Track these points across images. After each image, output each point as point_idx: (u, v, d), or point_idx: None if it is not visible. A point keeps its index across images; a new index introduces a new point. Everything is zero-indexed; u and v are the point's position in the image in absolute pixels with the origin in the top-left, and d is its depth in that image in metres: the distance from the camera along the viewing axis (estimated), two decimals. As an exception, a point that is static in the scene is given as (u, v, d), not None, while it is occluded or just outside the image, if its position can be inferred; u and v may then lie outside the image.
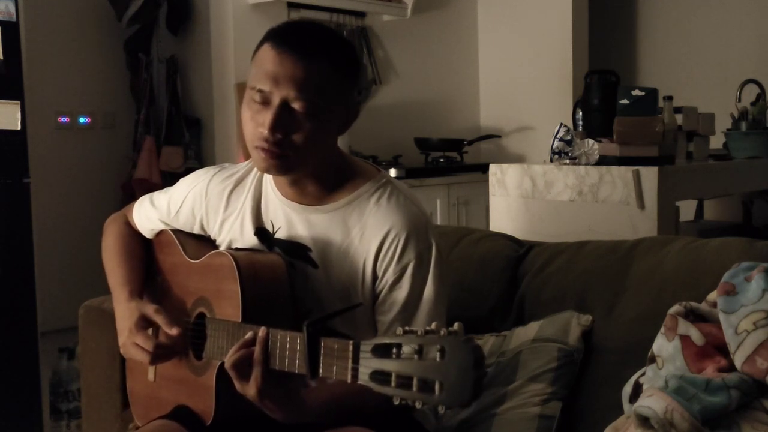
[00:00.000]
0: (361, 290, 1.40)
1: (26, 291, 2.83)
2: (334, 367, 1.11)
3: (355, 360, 1.06)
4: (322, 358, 1.13)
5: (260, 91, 1.33)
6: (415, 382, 0.97)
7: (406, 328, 1.01)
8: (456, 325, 0.98)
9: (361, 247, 1.39)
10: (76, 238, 3.76)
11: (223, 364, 1.33)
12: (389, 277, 1.38)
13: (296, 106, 1.32)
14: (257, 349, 1.22)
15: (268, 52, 1.34)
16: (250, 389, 1.23)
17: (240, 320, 1.32)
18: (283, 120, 1.32)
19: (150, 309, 1.45)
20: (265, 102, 1.33)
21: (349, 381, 1.07)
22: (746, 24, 4.92)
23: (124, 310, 1.52)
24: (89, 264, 3.61)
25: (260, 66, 1.35)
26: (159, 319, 1.43)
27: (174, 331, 1.41)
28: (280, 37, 1.35)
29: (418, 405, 0.97)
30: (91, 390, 2.04)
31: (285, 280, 1.38)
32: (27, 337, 2.83)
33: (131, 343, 1.45)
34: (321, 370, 1.13)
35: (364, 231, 1.40)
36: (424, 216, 1.44)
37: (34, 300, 2.84)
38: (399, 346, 1.00)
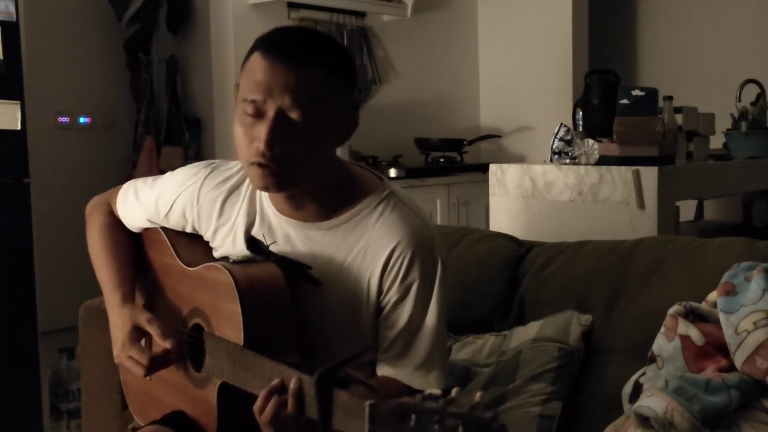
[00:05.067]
0: (366, 307, 1.35)
1: (26, 291, 2.82)
2: (349, 423, 1.06)
3: (372, 422, 1.01)
4: (335, 411, 1.09)
5: (253, 101, 1.24)
6: None
7: (426, 392, 0.96)
8: (477, 396, 0.94)
9: (365, 265, 1.34)
10: (76, 238, 3.72)
11: (224, 383, 1.30)
12: (393, 294, 1.34)
13: (293, 115, 1.24)
14: (290, 404, 1.15)
15: (258, 62, 1.26)
16: None
17: (241, 342, 1.28)
18: (280, 132, 1.24)
19: (143, 318, 1.42)
20: (259, 114, 1.25)
21: None
22: (746, 24, 4.92)
23: (117, 317, 1.47)
24: (89, 264, 3.61)
25: (251, 76, 1.26)
26: (152, 330, 1.40)
27: (168, 344, 1.37)
28: (270, 45, 1.27)
29: None
30: (91, 390, 2.04)
31: (285, 292, 1.33)
32: (27, 337, 2.82)
33: (125, 356, 1.42)
34: (334, 422, 1.09)
35: (368, 248, 1.34)
36: (429, 230, 1.38)
37: (34, 300, 2.84)
38: (418, 413, 0.94)
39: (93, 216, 1.61)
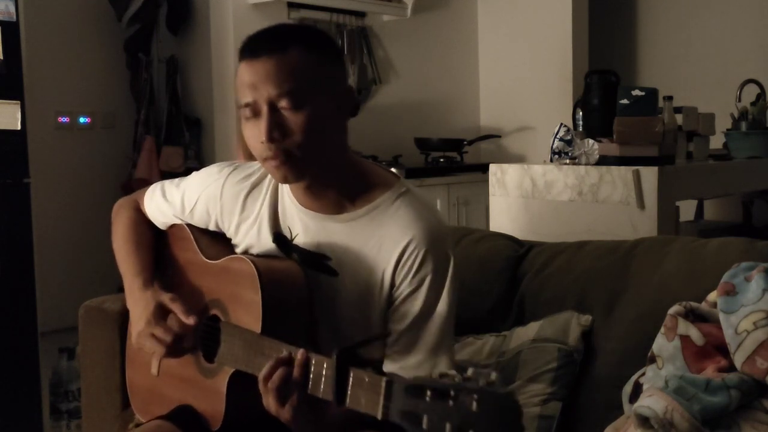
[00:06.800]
0: (378, 299, 1.38)
1: (26, 291, 2.83)
2: (363, 400, 1.08)
3: (387, 397, 1.03)
4: (350, 388, 1.11)
5: (247, 105, 1.32)
6: (448, 427, 0.93)
7: (443, 371, 0.98)
8: (493, 376, 0.95)
9: (380, 258, 1.37)
10: (76, 238, 3.76)
11: (236, 372, 1.32)
12: (405, 287, 1.36)
13: (282, 103, 1.30)
14: (296, 372, 1.19)
15: (242, 68, 1.33)
16: (285, 412, 1.20)
17: (259, 330, 1.30)
18: (276, 123, 1.30)
19: (166, 297, 1.44)
20: (256, 114, 1.31)
21: (379, 417, 1.04)
22: (746, 24, 4.92)
23: (139, 298, 1.49)
24: (89, 264, 3.62)
25: (240, 83, 1.34)
26: (175, 307, 1.42)
27: (191, 320, 1.39)
28: (248, 48, 1.34)
29: None
30: (91, 390, 2.04)
31: (304, 289, 1.36)
32: (27, 337, 2.82)
33: (148, 334, 1.43)
34: (348, 400, 1.11)
35: (383, 242, 1.37)
36: (443, 227, 1.42)
37: (34, 300, 2.84)
38: (434, 389, 0.96)
39: (120, 213, 1.66)
